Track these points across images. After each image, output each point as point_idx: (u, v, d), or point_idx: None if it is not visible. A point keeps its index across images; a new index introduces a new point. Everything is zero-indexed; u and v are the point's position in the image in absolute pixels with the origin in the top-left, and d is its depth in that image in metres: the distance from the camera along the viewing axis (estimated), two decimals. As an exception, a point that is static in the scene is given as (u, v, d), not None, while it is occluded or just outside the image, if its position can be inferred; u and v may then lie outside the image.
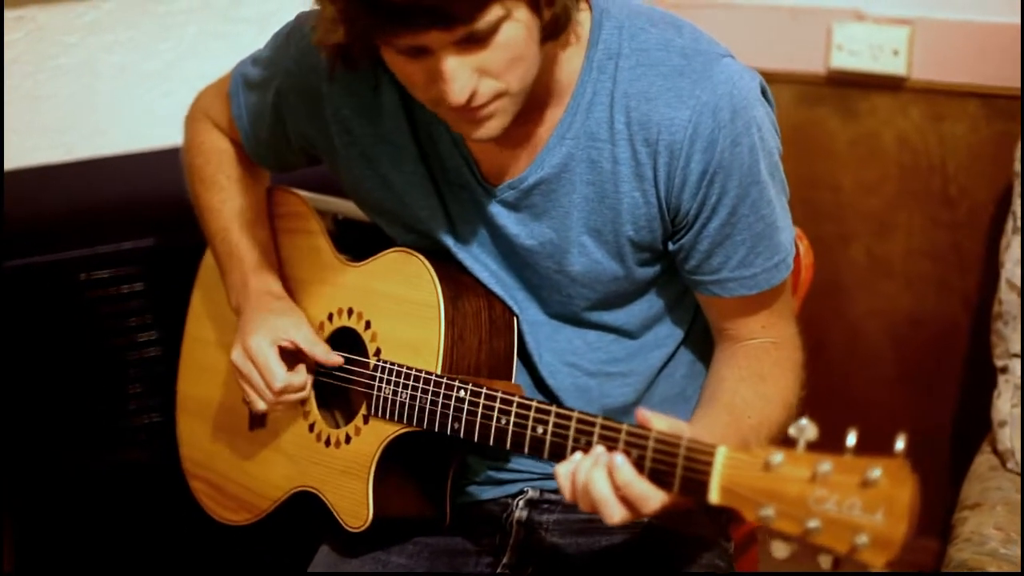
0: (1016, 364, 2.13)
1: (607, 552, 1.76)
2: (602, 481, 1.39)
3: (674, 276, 1.69)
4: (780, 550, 1.30)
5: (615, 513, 1.39)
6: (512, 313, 1.71)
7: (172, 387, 2.06)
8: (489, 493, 1.80)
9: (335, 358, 1.74)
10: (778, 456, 1.28)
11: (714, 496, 1.32)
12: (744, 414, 1.56)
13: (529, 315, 1.72)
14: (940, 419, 2.75)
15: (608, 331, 1.73)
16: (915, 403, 2.77)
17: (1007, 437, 2.11)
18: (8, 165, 2.45)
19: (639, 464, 1.37)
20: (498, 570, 1.77)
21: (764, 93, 1.60)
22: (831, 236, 2.78)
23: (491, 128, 1.49)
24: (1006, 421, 2.11)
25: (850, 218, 2.76)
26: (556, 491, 1.73)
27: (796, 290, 1.89)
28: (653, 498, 1.38)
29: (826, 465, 1.25)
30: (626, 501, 1.39)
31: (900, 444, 1.24)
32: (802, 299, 1.96)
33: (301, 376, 1.75)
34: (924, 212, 2.67)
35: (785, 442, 1.30)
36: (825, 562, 1.27)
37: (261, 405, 1.75)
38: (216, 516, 1.95)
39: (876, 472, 1.23)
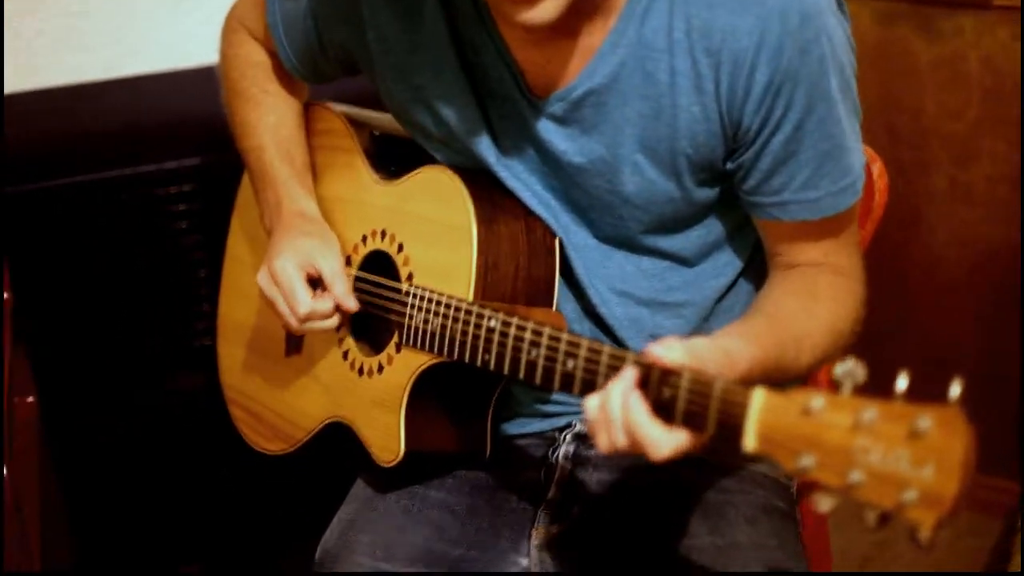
0: None
1: (657, 488, 1.65)
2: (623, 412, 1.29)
3: (734, 200, 1.57)
4: (823, 503, 1.18)
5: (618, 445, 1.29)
6: (554, 236, 1.59)
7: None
8: (534, 426, 1.70)
9: (351, 303, 1.65)
10: (819, 400, 1.16)
11: (749, 442, 1.20)
12: (786, 325, 1.44)
13: (577, 239, 1.61)
14: (1019, 355, 2.59)
15: (663, 257, 1.62)
16: (993, 338, 2.63)
17: None
18: (46, 83, 2.37)
19: (670, 404, 1.26)
20: (542, 507, 1.67)
21: (840, 5, 1.47)
22: (910, 162, 2.66)
23: (545, 10, 1.38)
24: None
25: (931, 143, 2.63)
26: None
27: (868, 215, 1.74)
28: (663, 444, 1.27)
29: (871, 412, 1.13)
30: (633, 443, 1.29)
31: (955, 390, 1.11)
32: (875, 226, 1.81)
33: (328, 303, 1.66)
34: (1008, 138, 2.53)
35: (830, 386, 1.18)
36: (871, 518, 1.14)
37: (291, 324, 1.67)
38: (254, 444, 1.88)
39: (926, 421, 1.10)
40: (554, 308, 1.59)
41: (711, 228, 1.61)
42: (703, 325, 1.64)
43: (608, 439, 1.30)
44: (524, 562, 1.65)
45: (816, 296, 1.51)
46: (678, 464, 1.64)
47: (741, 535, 1.59)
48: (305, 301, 1.63)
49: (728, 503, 1.63)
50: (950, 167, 2.63)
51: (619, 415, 1.28)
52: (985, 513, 2.37)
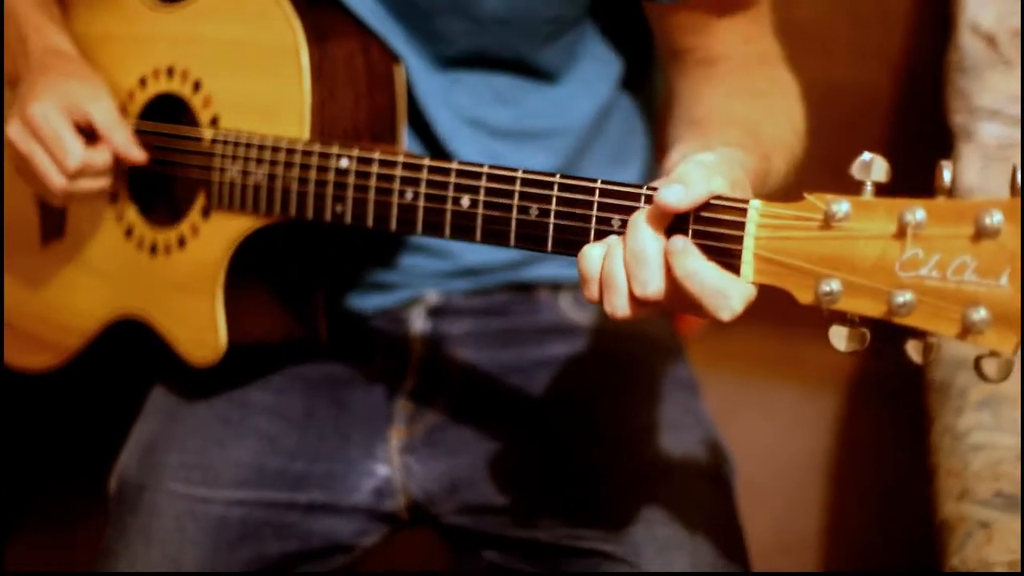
0: (982, 124, 1.76)
1: (540, 366, 1.37)
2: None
3: None
4: (842, 338, 0.91)
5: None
6: (393, 58, 1.26)
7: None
8: (375, 302, 1.38)
9: (138, 154, 1.28)
10: (843, 205, 0.88)
11: (748, 271, 0.92)
12: (756, 130, 1.13)
13: (418, 60, 1.29)
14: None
15: (522, 74, 1.31)
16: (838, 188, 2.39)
17: None
18: None
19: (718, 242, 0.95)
20: (398, 401, 1.36)
21: None
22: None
23: None
24: (974, 191, 1.74)
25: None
26: (466, 294, 1.34)
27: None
28: (735, 294, 0.93)
29: (918, 212, 0.86)
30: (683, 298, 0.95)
31: (1020, 177, 0.85)
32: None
33: (105, 154, 1.28)
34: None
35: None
36: (915, 351, 0.88)
37: (56, 183, 1.27)
38: (9, 362, 1.48)
39: (995, 216, 0.84)
40: (401, 145, 1.26)
41: (582, 31, 1.31)
42: (577, 160, 1.34)
43: (628, 298, 0.96)
44: (383, 470, 1.34)
45: (761, 93, 1.22)
46: (559, 334, 1.37)
47: (651, 413, 1.33)
48: (76, 150, 1.25)
49: (627, 379, 1.36)
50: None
51: (655, 259, 0.94)
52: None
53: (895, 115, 2.16)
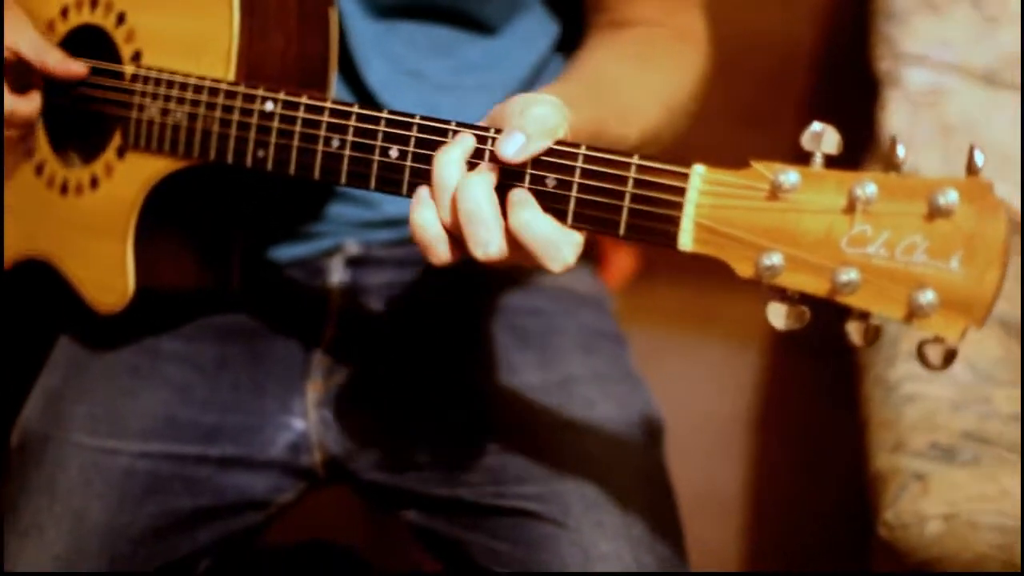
0: (907, 69, 1.71)
1: (461, 316, 1.33)
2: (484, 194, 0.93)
3: None
4: (780, 315, 0.87)
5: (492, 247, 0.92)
6: (328, 1, 1.20)
7: None
8: (294, 251, 1.32)
9: (76, 67, 1.21)
10: (791, 176, 0.84)
11: (687, 239, 0.88)
12: (608, 94, 1.11)
13: (352, 6, 1.23)
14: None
15: (462, 25, 1.27)
16: (760, 144, 2.33)
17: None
18: None
19: (561, 195, 0.92)
20: (316, 352, 1.30)
21: None
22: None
23: None
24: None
25: None
26: (387, 244, 1.30)
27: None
28: (563, 244, 0.92)
29: (869, 186, 0.82)
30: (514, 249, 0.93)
31: (980, 158, 0.81)
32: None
33: (33, 103, 1.22)
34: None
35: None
36: (856, 333, 0.84)
37: None
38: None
39: (950, 195, 0.80)
40: (330, 93, 1.20)
41: None
42: None
43: (454, 246, 0.94)
44: (299, 424, 1.29)
45: (649, 63, 1.19)
46: (480, 285, 1.32)
47: (577, 366, 1.28)
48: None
49: (551, 329, 1.32)
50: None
51: (487, 210, 0.92)
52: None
53: (819, 62, 2.10)
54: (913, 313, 0.80)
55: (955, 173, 0.82)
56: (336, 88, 1.23)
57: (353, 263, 1.31)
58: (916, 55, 1.70)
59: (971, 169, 0.81)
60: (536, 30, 1.29)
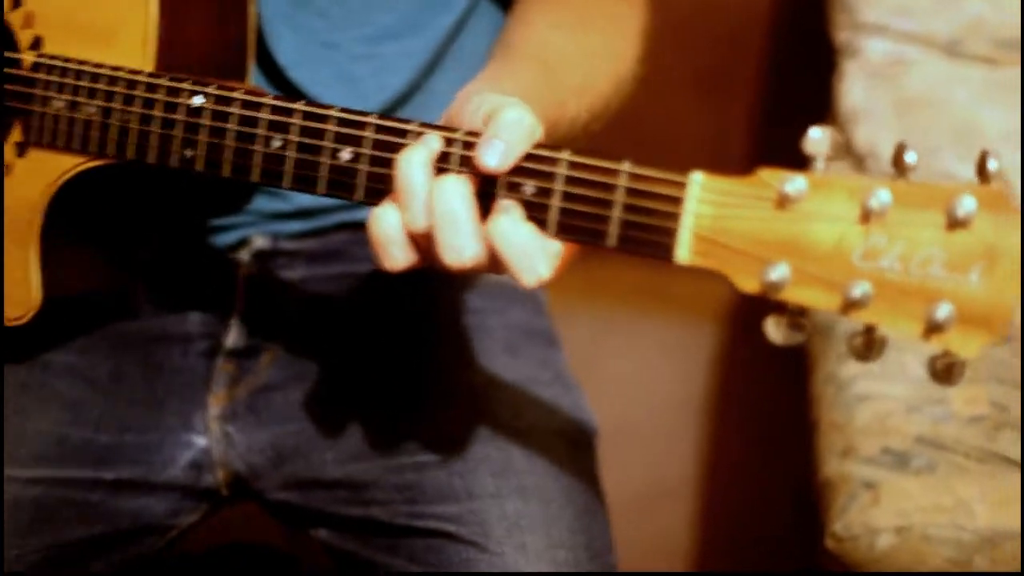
0: (866, 40, 1.67)
1: (379, 315, 1.25)
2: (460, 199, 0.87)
3: None
4: (781, 330, 0.82)
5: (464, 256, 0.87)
6: None
7: None
8: (196, 247, 1.23)
9: None
10: (798, 182, 0.79)
11: (683, 252, 0.82)
12: (561, 70, 1.05)
13: None
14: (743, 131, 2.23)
15: None
16: (715, 109, 2.27)
17: (863, 133, 1.68)
18: None
19: (538, 204, 0.86)
20: (219, 361, 1.22)
21: None
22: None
23: None
24: (860, 112, 1.65)
25: None
26: (298, 236, 1.22)
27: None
28: (540, 255, 0.86)
29: (883, 195, 0.77)
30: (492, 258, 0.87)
31: (993, 164, 0.78)
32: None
33: None
34: None
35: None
36: (861, 347, 0.80)
37: None
38: None
39: (968, 204, 0.76)
40: (248, 81, 1.12)
41: None
42: (427, 81, 1.23)
43: (414, 252, 0.88)
44: (201, 441, 1.21)
45: (589, 28, 1.13)
46: (400, 281, 1.25)
47: (502, 369, 1.22)
48: None
49: (479, 328, 1.25)
50: None
51: (463, 214, 0.86)
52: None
53: (775, 31, 2.05)
54: (931, 329, 0.77)
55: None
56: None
57: (261, 257, 1.23)
58: (875, 24, 1.66)
59: (984, 175, 0.77)
60: None
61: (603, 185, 0.83)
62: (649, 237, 0.82)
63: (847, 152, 1.63)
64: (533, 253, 0.84)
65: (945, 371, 0.77)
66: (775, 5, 2.02)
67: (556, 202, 0.85)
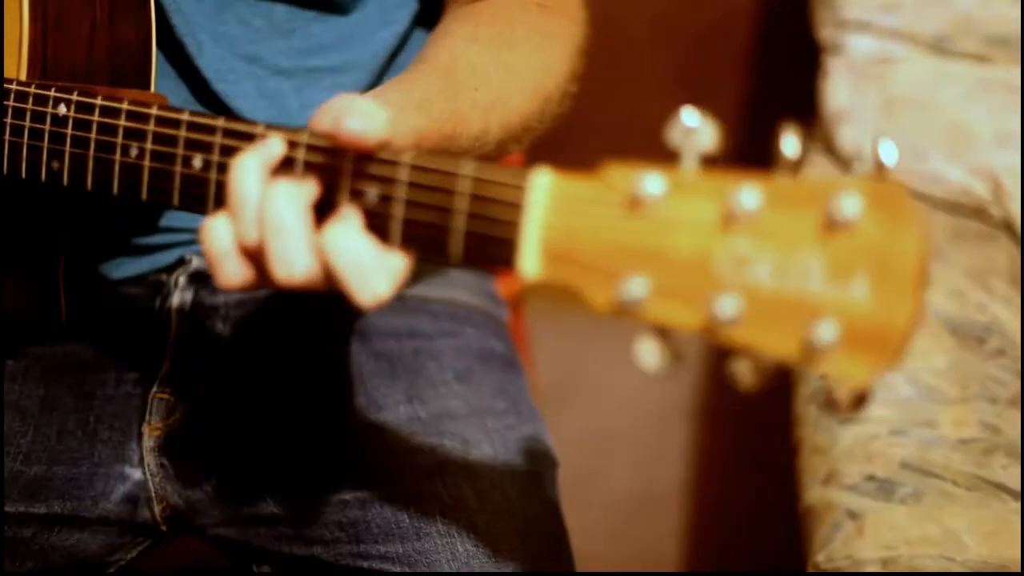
0: (850, 37, 1.55)
1: (318, 339, 1.16)
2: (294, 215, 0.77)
3: None
4: (653, 353, 0.70)
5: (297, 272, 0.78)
6: None
7: None
8: (127, 269, 1.15)
9: None
10: (655, 181, 0.67)
11: (530, 264, 0.71)
12: (468, 83, 0.96)
13: None
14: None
15: (302, 3, 1.11)
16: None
17: (848, 134, 1.56)
18: None
19: (380, 212, 0.75)
20: (154, 389, 1.13)
21: None
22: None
23: None
24: (844, 112, 1.53)
25: None
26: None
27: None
28: (376, 272, 0.76)
29: (751, 194, 0.65)
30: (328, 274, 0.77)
31: (890, 152, 0.65)
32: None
33: None
34: None
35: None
36: (745, 373, 0.68)
37: None
38: None
39: (852, 203, 0.63)
40: (152, 88, 1.03)
41: None
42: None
43: (247, 267, 0.80)
44: (136, 474, 1.13)
45: (514, 44, 1.03)
46: (339, 303, 1.16)
47: (453, 399, 1.12)
48: None
49: (426, 354, 1.15)
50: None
51: (292, 221, 0.76)
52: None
53: (757, 28, 1.97)
54: (811, 352, 0.64)
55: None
56: (168, 79, 1.07)
57: (196, 279, 1.15)
58: (859, 21, 1.56)
59: (878, 168, 0.64)
60: (392, 4, 1.13)
61: (444, 191, 0.72)
62: (490, 250, 0.71)
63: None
64: (369, 267, 0.74)
65: (828, 403, 0.64)
66: (759, 2, 1.94)
67: (399, 210, 0.74)
